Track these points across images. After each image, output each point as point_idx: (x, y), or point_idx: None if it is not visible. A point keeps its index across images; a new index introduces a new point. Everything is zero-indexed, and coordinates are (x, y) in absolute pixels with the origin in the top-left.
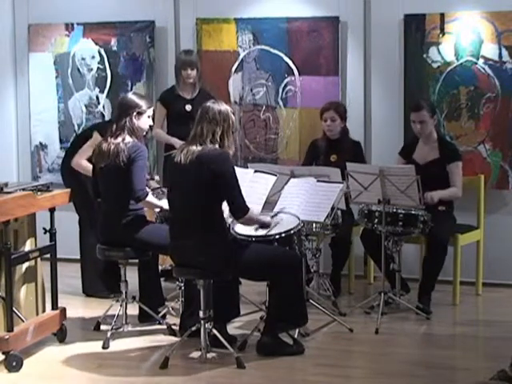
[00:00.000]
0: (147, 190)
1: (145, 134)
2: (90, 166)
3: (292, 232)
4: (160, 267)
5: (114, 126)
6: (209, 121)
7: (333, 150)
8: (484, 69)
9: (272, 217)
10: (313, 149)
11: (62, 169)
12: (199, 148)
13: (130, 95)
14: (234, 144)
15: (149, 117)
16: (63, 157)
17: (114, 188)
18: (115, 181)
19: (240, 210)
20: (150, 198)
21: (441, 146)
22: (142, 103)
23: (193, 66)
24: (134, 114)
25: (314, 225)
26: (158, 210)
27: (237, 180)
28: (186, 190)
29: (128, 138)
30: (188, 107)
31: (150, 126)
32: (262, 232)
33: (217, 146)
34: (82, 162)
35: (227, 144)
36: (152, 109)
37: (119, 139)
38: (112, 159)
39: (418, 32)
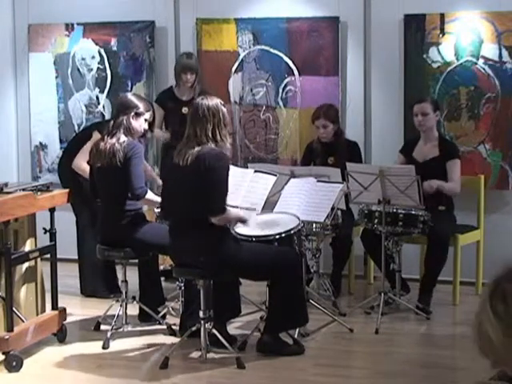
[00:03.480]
0: (146, 187)
1: (143, 134)
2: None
3: (292, 232)
4: (160, 267)
5: (111, 124)
6: (199, 119)
7: (329, 153)
8: (484, 69)
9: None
10: (309, 152)
11: (59, 169)
12: (198, 148)
13: (130, 95)
14: (229, 137)
15: (145, 120)
16: (60, 157)
17: (112, 188)
18: (113, 181)
19: (215, 209)
20: (150, 195)
21: (440, 145)
22: (141, 105)
23: (193, 70)
24: (132, 113)
25: (314, 225)
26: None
27: (225, 181)
28: (186, 190)
29: (123, 138)
30: (184, 110)
31: (145, 130)
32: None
33: (213, 144)
34: (83, 165)
35: (220, 137)
36: (150, 113)
37: (114, 139)
38: (108, 159)
39: (418, 32)
